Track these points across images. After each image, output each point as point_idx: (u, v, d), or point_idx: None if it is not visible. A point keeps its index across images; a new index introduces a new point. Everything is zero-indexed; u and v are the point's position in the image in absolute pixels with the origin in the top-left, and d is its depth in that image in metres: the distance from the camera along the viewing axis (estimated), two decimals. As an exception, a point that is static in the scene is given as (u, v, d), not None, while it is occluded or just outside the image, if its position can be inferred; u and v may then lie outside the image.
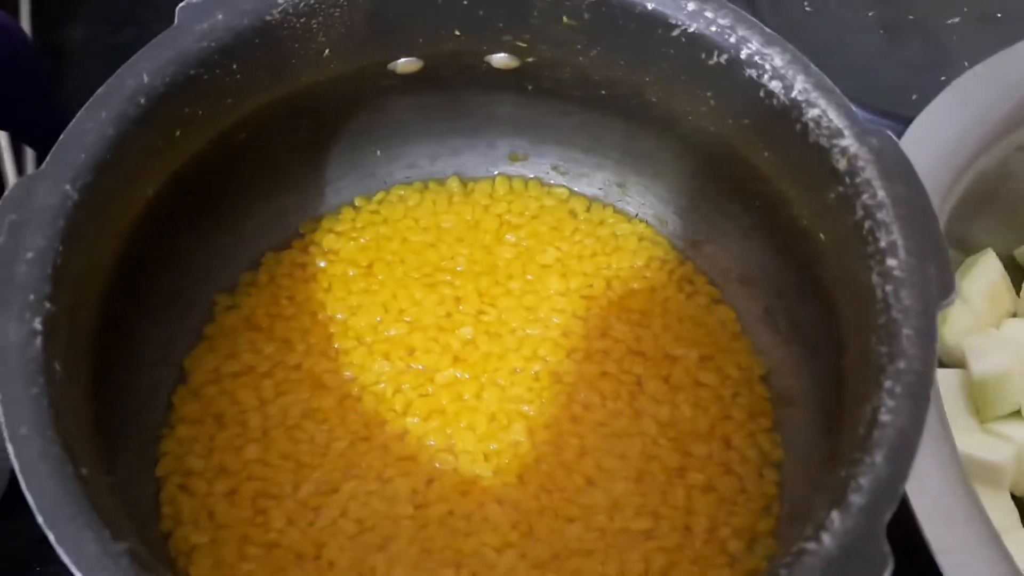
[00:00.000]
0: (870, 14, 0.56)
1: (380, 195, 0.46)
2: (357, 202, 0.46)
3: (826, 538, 0.26)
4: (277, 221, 0.45)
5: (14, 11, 0.55)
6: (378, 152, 0.46)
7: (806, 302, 0.39)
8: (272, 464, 0.39)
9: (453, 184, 0.47)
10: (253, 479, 0.38)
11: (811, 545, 0.26)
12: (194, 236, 0.41)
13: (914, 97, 0.53)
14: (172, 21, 0.34)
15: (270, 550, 0.37)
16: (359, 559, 0.37)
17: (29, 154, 0.52)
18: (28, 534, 0.42)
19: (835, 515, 0.27)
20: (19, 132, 0.47)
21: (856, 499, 0.27)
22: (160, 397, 0.40)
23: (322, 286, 0.44)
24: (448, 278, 0.44)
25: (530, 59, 0.39)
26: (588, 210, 0.46)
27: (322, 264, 0.44)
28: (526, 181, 0.47)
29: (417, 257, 0.44)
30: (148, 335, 0.40)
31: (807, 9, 0.56)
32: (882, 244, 0.31)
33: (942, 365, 0.41)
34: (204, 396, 0.41)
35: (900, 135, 0.35)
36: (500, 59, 0.40)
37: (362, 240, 0.45)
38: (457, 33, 0.38)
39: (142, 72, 0.33)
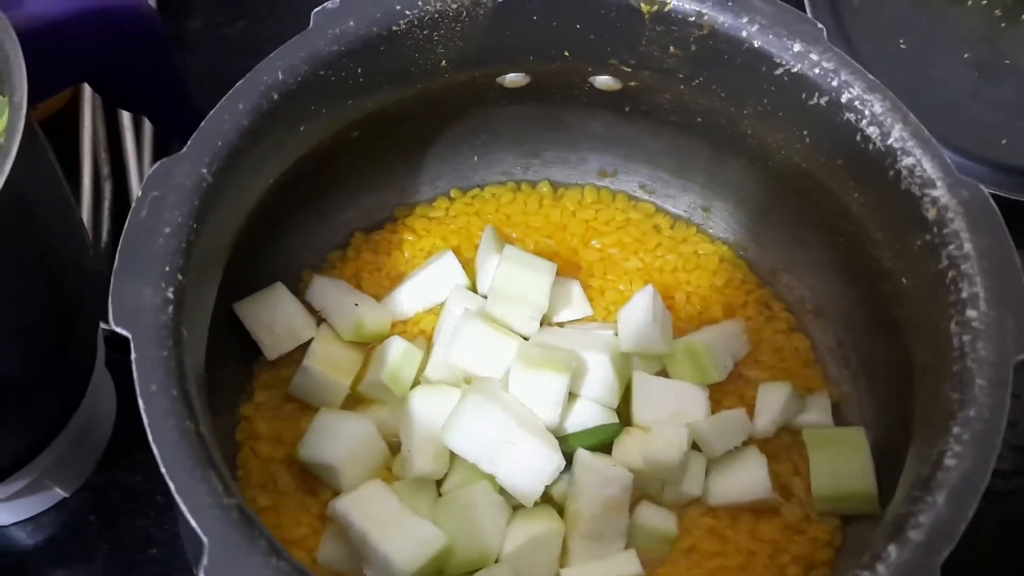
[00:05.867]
0: (966, 55, 0.56)
1: (475, 191, 0.49)
2: (452, 193, 0.49)
3: (881, 568, 0.28)
4: (372, 209, 0.47)
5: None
6: (475, 158, 0.48)
7: (879, 341, 0.40)
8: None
9: (544, 188, 0.49)
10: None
11: (865, 573, 0.28)
12: (297, 219, 0.44)
13: (1004, 142, 0.53)
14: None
15: (321, 519, 0.39)
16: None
17: (147, 129, 0.55)
18: (121, 486, 0.46)
19: (892, 548, 0.28)
20: (147, 112, 0.50)
21: (914, 535, 0.28)
22: (248, 365, 0.43)
23: (406, 258, 0.46)
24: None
25: (632, 83, 0.41)
26: (672, 228, 0.48)
27: (409, 238, 0.47)
28: (614, 193, 0.49)
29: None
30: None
31: (902, 46, 0.56)
32: (964, 295, 0.32)
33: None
34: (279, 363, 0.43)
35: (985, 178, 0.35)
36: (603, 81, 0.42)
37: (453, 226, 0.47)
38: (566, 54, 0.40)
39: (277, 70, 0.36)
